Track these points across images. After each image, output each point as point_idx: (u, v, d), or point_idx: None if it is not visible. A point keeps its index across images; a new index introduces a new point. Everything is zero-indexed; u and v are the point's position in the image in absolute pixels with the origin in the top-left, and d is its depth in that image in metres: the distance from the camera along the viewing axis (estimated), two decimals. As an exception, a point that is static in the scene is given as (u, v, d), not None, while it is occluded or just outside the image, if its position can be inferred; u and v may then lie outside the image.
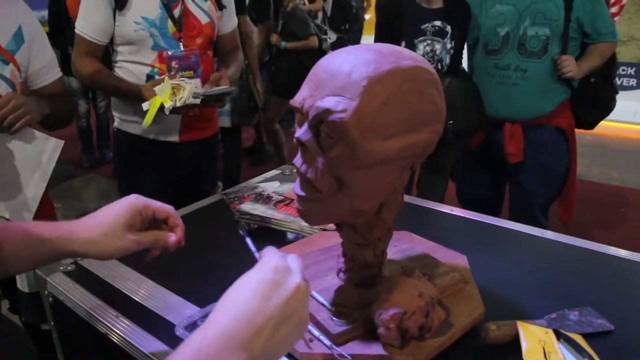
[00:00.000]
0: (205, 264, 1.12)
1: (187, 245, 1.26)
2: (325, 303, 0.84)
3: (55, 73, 1.56)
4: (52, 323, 1.16)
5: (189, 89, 1.64)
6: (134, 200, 0.80)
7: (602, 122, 2.39)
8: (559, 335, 0.80)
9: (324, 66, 0.76)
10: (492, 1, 2.20)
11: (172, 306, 0.95)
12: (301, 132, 0.76)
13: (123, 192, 1.99)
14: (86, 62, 1.72)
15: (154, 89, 1.63)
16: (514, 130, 2.20)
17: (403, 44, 2.14)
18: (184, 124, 1.85)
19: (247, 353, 0.48)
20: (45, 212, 1.54)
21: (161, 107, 1.62)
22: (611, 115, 2.38)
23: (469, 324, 0.84)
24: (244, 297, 0.52)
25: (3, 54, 1.39)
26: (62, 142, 1.49)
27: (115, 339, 0.90)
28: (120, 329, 0.90)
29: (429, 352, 0.77)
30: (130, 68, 1.77)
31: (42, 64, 1.51)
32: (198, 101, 1.65)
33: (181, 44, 1.76)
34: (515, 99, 2.17)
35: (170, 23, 1.73)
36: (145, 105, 1.64)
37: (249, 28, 3.93)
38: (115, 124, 1.91)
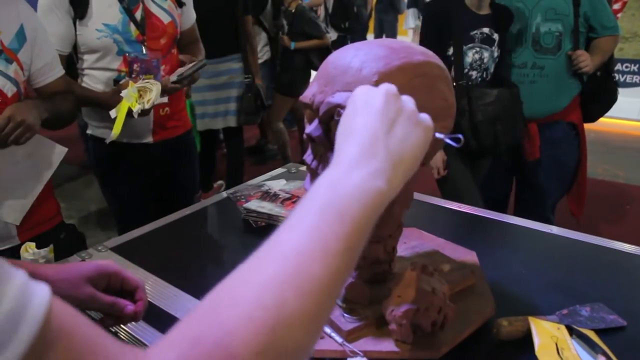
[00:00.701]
0: (212, 261, 1.12)
1: (194, 242, 1.27)
2: (337, 300, 0.84)
3: (58, 71, 1.55)
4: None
5: (156, 90, 1.63)
6: (107, 263, 0.78)
7: (607, 119, 2.37)
8: (571, 331, 0.80)
9: (333, 62, 0.76)
10: None
11: (181, 303, 0.95)
12: (312, 128, 0.76)
13: (106, 195, 2.00)
14: None
15: (121, 94, 1.61)
16: (530, 128, 2.19)
17: (451, 50, 2.10)
18: (156, 124, 1.85)
19: (374, 160, 0.48)
20: (50, 211, 1.54)
21: (129, 112, 1.61)
22: (615, 112, 2.38)
23: (481, 320, 0.83)
24: (346, 128, 0.52)
25: (6, 52, 1.38)
26: (65, 150, 1.47)
27: (124, 336, 0.90)
28: (129, 326, 0.90)
29: (441, 348, 0.77)
30: (96, 75, 1.75)
31: (45, 62, 1.50)
32: (166, 99, 1.67)
33: (144, 47, 1.74)
34: (533, 97, 2.15)
35: (133, 27, 1.72)
36: (112, 113, 1.62)
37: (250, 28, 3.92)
38: (89, 130, 1.89)
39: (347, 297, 0.84)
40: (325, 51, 3.84)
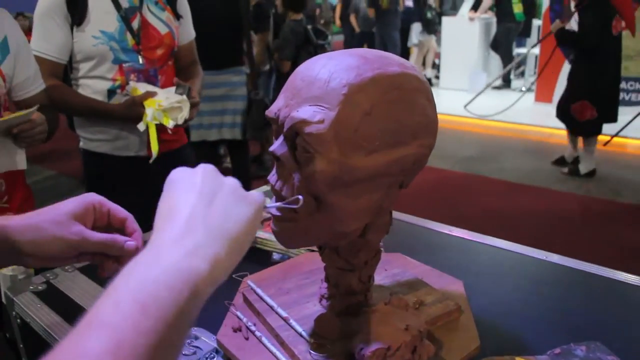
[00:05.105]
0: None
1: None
2: (304, 334, 0.76)
3: (39, 85, 1.52)
4: (22, 346, 1.09)
5: (186, 107, 1.66)
6: (88, 195, 0.71)
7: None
8: (563, 375, 0.72)
9: (302, 73, 0.69)
10: None
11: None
12: (276, 145, 0.69)
13: None
14: (52, 84, 1.64)
15: (146, 111, 1.61)
16: None
17: None
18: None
19: (191, 237, 0.43)
20: None
21: (161, 126, 1.65)
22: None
23: (463, 360, 0.75)
24: (163, 210, 0.48)
25: None
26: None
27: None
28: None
29: (416, 392, 0.69)
30: (91, 84, 1.73)
31: (27, 75, 1.47)
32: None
33: (140, 56, 1.72)
34: None
35: (129, 35, 1.70)
36: (141, 127, 1.64)
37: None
38: (81, 144, 1.85)
39: (315, 331, 0.76)
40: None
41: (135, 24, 1.72)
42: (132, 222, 0.72)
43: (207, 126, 3.26)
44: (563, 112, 4.40)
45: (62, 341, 0.35)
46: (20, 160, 1.41)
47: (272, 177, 0.71)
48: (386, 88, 0.66)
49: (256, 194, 0.54)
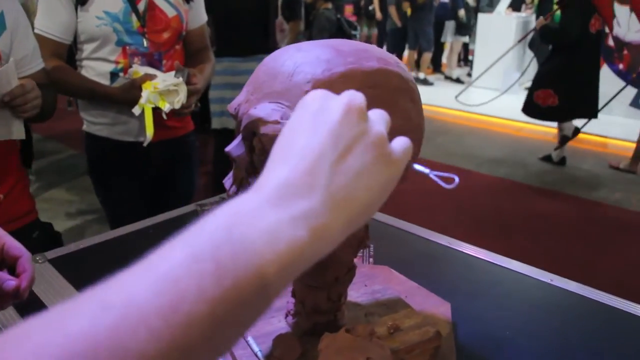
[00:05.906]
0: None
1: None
2: (260, 354, 0.69)
3: (38, 63, 1.47)
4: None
5: (183, 91, 1.59)
6: None
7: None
8: None
9: (266, 64, 0.61)
10: None
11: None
12: (233, 145, 0.61)
13: (100, 195, 1.90)
14: (55, 65, 1.60)
15: (141, 100, 1.56)
16: None
17: None
18: (154, 123, 1.75)
19: (306, 197, 0.34)
20: (24, 207, 1.46)
21: (158, 110, 1.59)
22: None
23: (436, 398, 0.67)
24: (283, 144, 0.38)
25: None
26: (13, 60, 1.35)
27: None
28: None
29: None
30: (93, 66, 1.68)
31: (25, 53, 1.42)
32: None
33: (145, 39, 1.66)
34: None
35: (134, 17, 1.64)
36: (136, 111, 1.58)
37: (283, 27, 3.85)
38: (84, 126, 1.81)
39: (272, 353, 0.69)
40: None
41: (141, 5, 1.66)
42: (25, 260, 0.65)
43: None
44: (527, 103, 4.51)
45: (122, 272, 0.29)
46: (17, 130, 1.36)
47: (228, 181, 0.63)
48: (359, 86, 0.57)
49: (402, 151, 0.40)
